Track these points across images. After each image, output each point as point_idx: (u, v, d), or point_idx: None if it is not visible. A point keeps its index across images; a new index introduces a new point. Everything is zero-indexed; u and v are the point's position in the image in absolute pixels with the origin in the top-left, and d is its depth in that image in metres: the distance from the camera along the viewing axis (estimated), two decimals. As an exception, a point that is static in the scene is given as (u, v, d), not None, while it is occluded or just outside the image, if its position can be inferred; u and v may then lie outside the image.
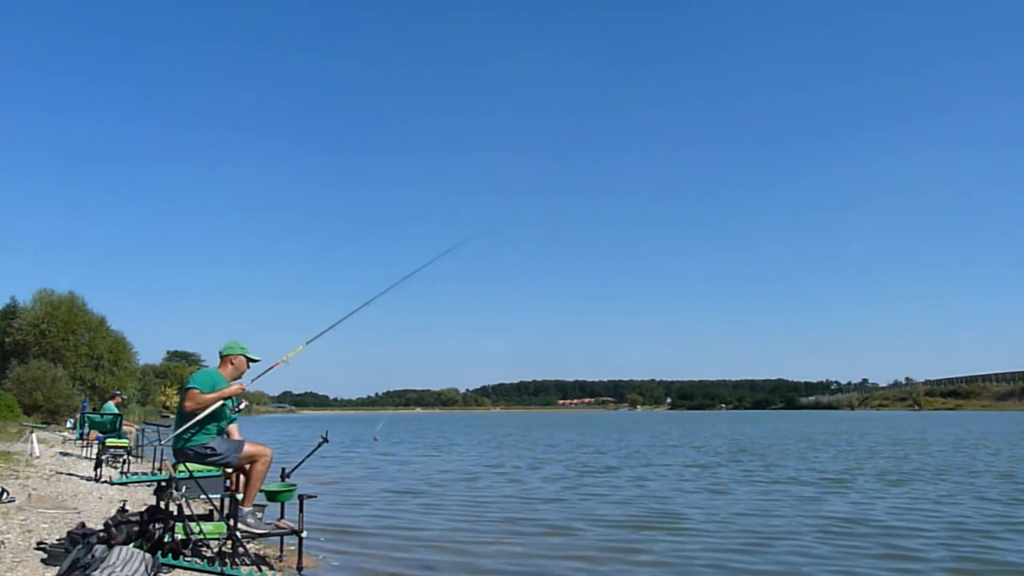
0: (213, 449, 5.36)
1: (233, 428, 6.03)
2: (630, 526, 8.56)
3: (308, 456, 6.67)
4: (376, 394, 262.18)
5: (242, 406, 5.91)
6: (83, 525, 5.72)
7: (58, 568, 4.67)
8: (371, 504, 10.48)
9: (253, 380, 6.02)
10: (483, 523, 8.83)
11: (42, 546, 5.65)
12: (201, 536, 5.14)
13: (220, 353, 5.83)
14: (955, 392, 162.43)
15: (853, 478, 13.55)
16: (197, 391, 5.35)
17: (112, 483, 10.37)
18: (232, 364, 5.75)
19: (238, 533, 5.20)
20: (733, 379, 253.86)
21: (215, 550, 5.49)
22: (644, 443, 27.06)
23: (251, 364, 5.85)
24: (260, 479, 5.52)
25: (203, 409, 5.30)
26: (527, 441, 29.29)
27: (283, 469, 6.01)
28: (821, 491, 11.67)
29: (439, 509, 10.01)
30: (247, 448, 5.50)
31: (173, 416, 5.74)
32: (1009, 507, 9.89)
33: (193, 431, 5.32)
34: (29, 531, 6.41)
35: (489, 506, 10.26)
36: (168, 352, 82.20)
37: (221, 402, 5.46)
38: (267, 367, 5.88)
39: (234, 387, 5.62)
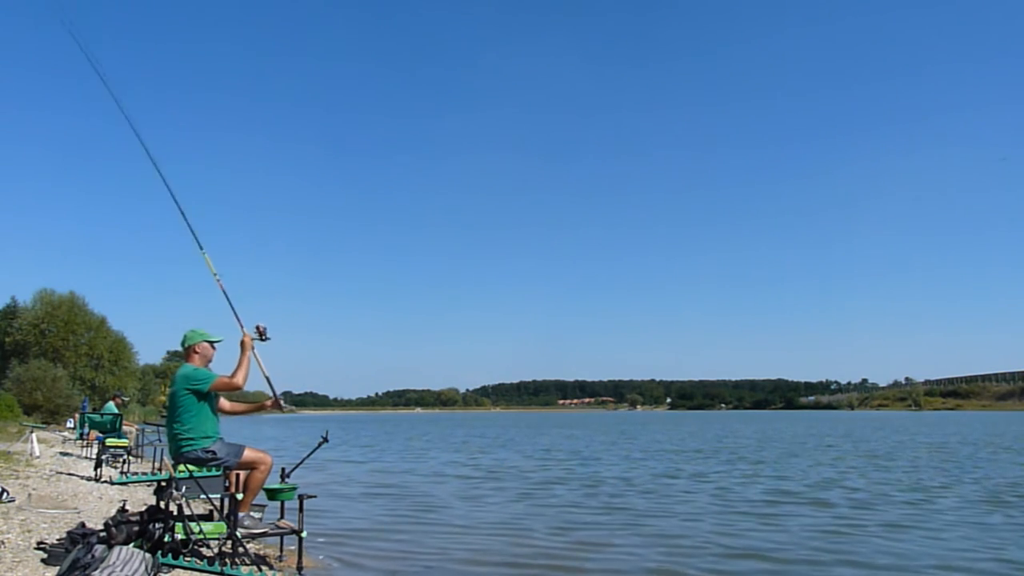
0: (214, 453, 5.29)
1: None
2: (493, 563, 6.81)
3: (308, 455, 6.68)
4: (376, 394, 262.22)
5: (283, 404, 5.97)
6: (83, 525, 5.71)
7: (58, 568, 4.66)
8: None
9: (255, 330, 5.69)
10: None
11: (42, 546, 5.66)
12: (201, 536, 5.13)
13: (182, 346, 5.61)
14: (955, 392, 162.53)
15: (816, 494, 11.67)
16: (223, 378, 5.34)
17: (112, 483, 10.39)
18: (198, 353, 5.56)
19: (238, 533, 5.19)
20: (733, 379, 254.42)
21: (215, 550, 5.48)
22: (626, 447, 26.21)
23: (215, 347, 5.69)
24: (258, 486, 5.44)
25: (240, 389, 5.41)
26: (508, 444, 28.54)
27: (283, 469, 6.00)
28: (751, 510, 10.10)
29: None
30: (247, 454, 5.41)
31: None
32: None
33: (192, 437, 5.25)
34: (29, 531, 6.41)
35: (373, 535, 8.29)
36: (168, 352, 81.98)
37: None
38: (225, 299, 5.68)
39: (245, 339, 5.50)
